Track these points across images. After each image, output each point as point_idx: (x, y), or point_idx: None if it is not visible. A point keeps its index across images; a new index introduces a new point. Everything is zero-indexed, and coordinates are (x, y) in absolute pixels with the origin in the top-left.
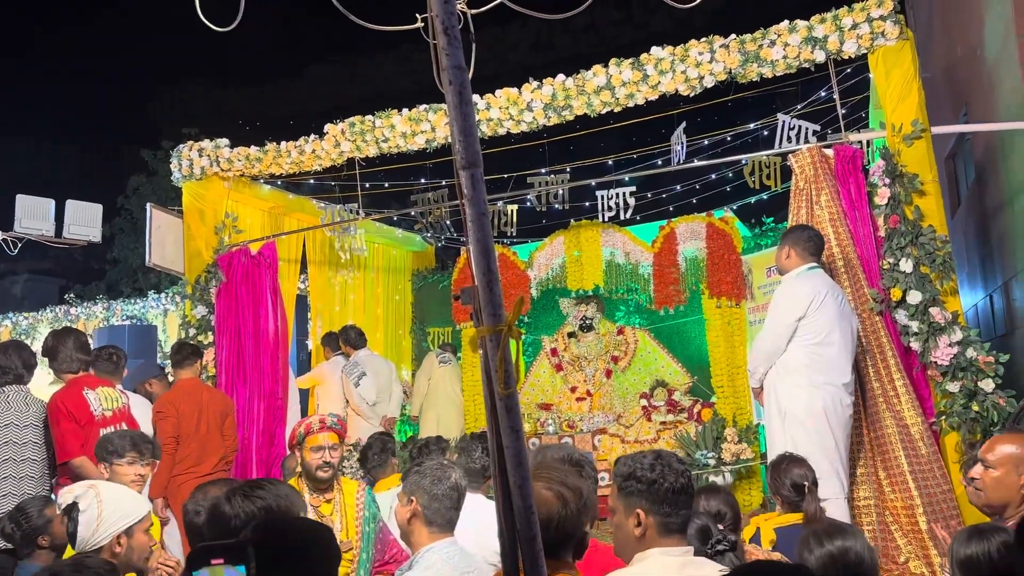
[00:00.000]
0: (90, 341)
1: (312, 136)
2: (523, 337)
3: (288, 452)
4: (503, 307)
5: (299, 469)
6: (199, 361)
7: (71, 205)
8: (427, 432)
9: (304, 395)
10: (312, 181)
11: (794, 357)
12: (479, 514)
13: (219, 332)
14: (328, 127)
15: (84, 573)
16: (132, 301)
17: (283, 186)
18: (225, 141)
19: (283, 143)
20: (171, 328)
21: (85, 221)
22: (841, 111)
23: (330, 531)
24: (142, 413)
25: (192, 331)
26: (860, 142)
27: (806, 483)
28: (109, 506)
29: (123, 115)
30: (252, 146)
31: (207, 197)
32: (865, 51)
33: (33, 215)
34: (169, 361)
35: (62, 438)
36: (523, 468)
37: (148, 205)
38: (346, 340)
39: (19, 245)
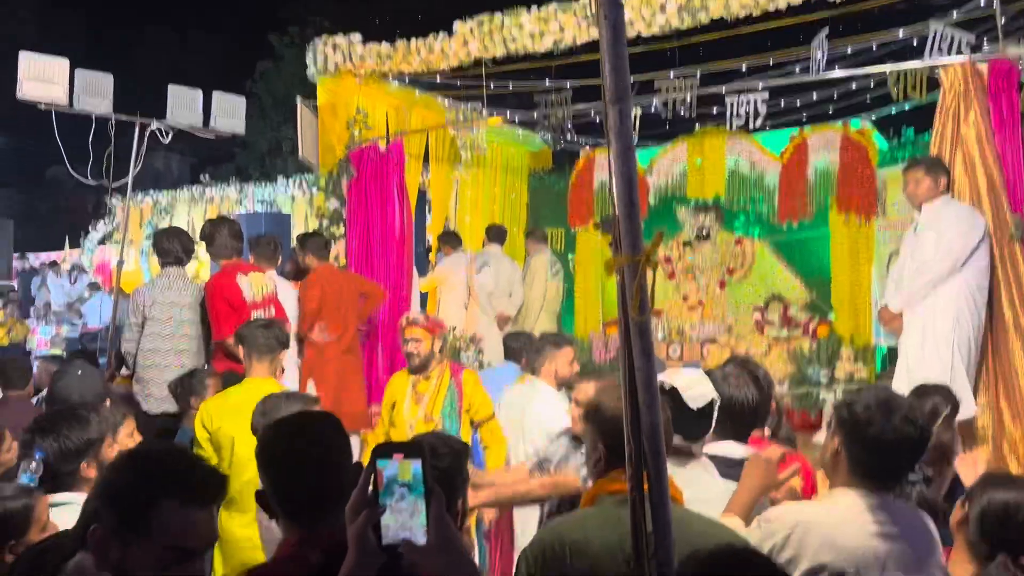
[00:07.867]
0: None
1: (441, 34)
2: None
3: None
4: (642, 238)
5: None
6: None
7: (216, 96)
8: None
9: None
10: (438, 80)
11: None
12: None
13: (350, 225)
14: (457, 24)
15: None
16: (263, 185)
17: (410, 83)
18: (358, 36)
19: (413, 40)
20: (298, 215)
21: (229, 112)
22: (1000, 20)
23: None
24: (286, 297)
25: (325, 222)
26: (1019, 56)
27: (943, 411)
28: None
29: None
30: (383, 42)
31: (339, 92)
32: None
33: (182, 105)
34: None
35: (216, 319)
36: (652, 388)
37: (298, 99)
38: (488, 234)
39: (170, 134)
